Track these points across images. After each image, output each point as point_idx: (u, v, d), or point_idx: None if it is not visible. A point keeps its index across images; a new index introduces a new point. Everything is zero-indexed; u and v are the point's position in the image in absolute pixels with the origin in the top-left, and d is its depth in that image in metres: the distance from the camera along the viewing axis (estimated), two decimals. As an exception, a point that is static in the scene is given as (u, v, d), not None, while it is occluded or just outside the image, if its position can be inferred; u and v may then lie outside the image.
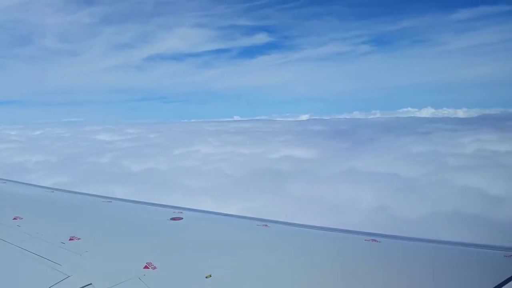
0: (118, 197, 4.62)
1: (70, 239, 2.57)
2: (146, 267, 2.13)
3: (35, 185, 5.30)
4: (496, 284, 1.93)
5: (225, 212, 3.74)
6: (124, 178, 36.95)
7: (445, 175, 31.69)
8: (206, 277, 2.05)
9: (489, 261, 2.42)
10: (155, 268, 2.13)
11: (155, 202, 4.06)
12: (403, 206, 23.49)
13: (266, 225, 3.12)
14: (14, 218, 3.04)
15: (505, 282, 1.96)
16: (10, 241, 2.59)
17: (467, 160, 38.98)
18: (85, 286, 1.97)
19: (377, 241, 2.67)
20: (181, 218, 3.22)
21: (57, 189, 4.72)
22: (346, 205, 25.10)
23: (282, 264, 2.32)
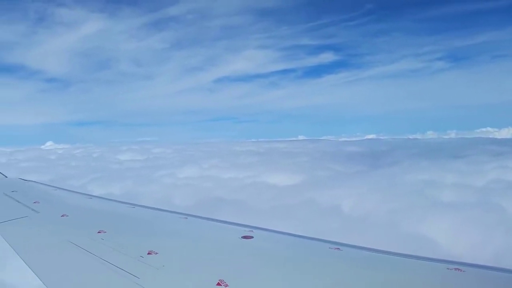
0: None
1: (148, 253, 2.63)
2: (219, 284, 2.14)
3: (118, 201, 5.38)
4: None
5: (296, 233, 3.56)
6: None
7: (397, 215, 24.31)
8: None
9: None
10: (227, 286, 2.13)
11: (227, 220, 3.96)
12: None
13: (338, 248, 2.99)
14: (99, 232, 3.19)
15: None
16: (95, 253, 2.74)
17: (462, 194, 30.68)
18: None
19: (461, 271, 2.37)
20: (252, 237, 3.16)
21: (137, 205, 4.87)
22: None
23: None
